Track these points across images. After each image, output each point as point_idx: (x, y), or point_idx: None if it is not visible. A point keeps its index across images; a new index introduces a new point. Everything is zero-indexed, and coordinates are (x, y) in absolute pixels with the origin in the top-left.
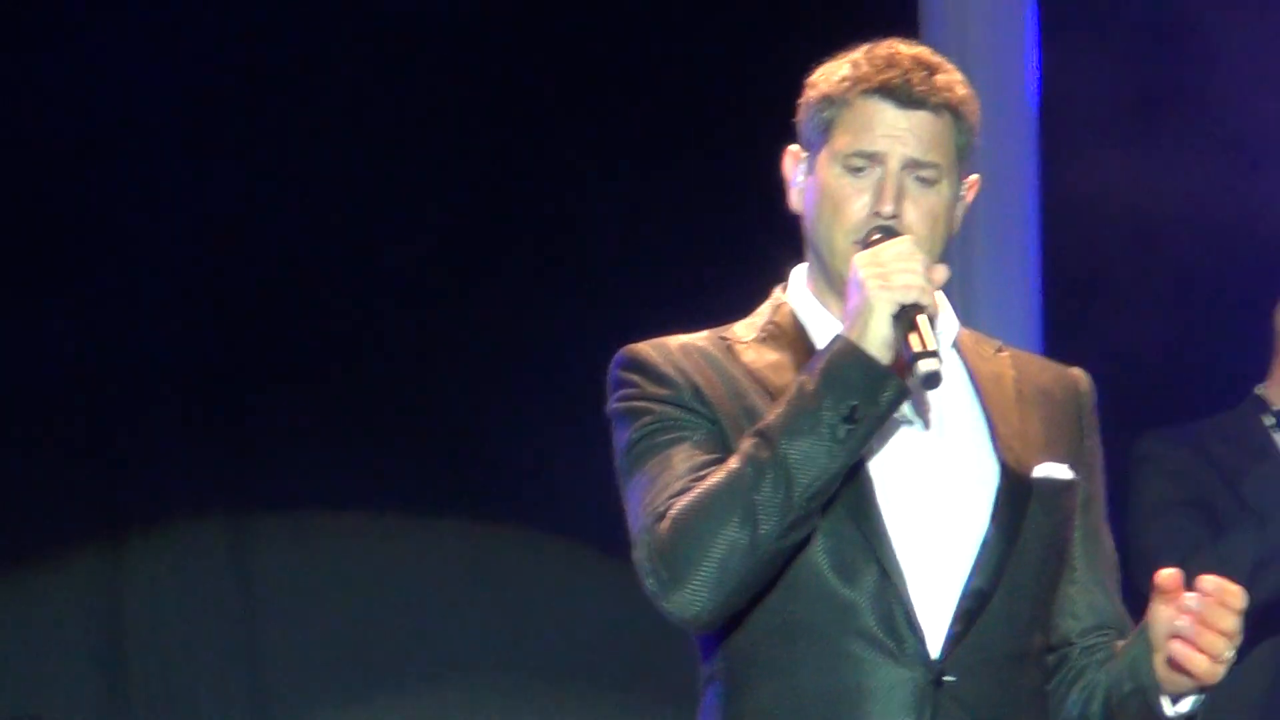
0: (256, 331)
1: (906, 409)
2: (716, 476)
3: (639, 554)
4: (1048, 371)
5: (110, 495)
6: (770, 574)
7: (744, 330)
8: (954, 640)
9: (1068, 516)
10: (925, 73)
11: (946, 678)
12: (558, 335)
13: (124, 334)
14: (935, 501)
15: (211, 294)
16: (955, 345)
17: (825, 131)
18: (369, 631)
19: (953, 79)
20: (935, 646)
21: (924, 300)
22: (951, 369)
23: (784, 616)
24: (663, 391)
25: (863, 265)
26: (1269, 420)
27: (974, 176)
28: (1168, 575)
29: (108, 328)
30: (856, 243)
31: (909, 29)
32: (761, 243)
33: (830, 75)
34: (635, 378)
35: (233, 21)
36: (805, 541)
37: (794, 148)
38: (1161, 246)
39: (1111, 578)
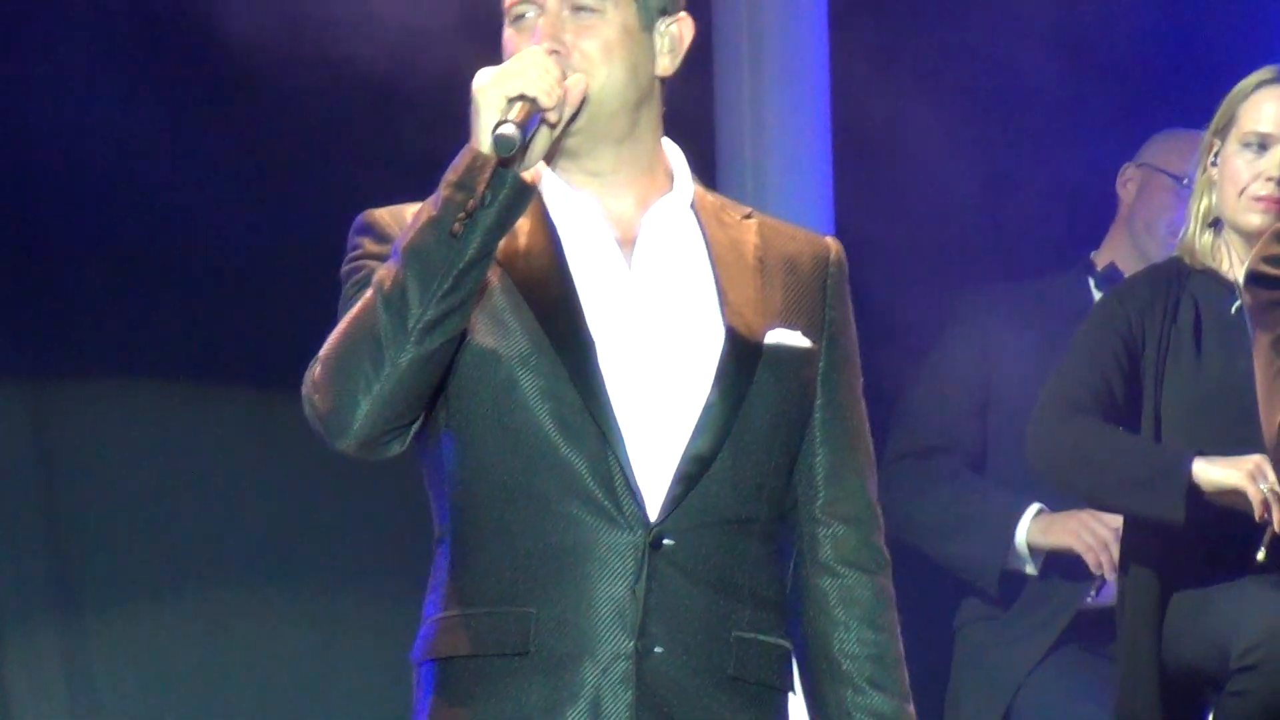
0: (54, 198)
1: (635, 274)
2: (355, 306)
3: (304, 389)
4: (797, 240)
5: None
6: (432, 378)
7: None
8: (672, 503)
9: (804, 385)
10: None
11: (665, 541)
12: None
13: None
14: (657, 365)
15: (6, 161)
16: (693, 207)
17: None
18: (167, 504)
19: None
20: (654, 509)
21: (530, 91)
22: (686, 232)
23: (505, 478)
24: (382, 249)
25: (478, 74)
26: (1093, 282)
27: (681, 14)
28: None
29: None
30: None
31: None
32: None
33: None
34: (361, 239)
35: None
36: (463, 338)
37: None
38: (957, 116)
39: (858, 451)
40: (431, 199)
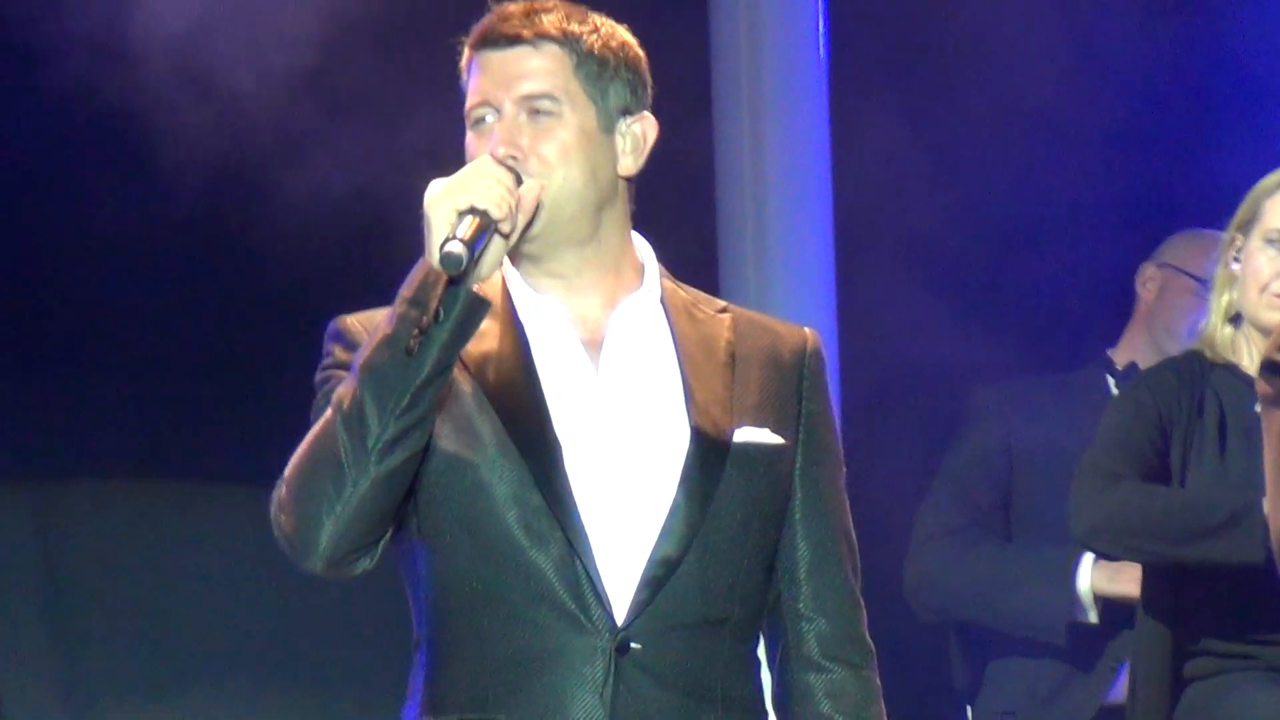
0: (53, 298)
1: (602, 375)
2: (316, 424)
3: (271, 510)
4: (773, 333)
5: None
6: (396, 494)
7: None
8: (639, 607)
9: (776, 481)
10: (523, 14)
11: (632, 645)
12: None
13: None
14: (624, 468)
15: (7, 260)
16: (663, 304)
17: (464, 104)
18: (168, 604)
19: (559, 16)
20: (621, 613)
21: (480, 203)
22: (654, 330)
23: (475, 584)
24: (351, 357)
25: (430, 186)
26: (1112, 381)
27: (643, 114)
28: None
29: None
30: None
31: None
32: None
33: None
34: (333, 346)
35: None
36: (429, 445)
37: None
38: (950, 207)
39: (840, 544)
40: (387, 314)
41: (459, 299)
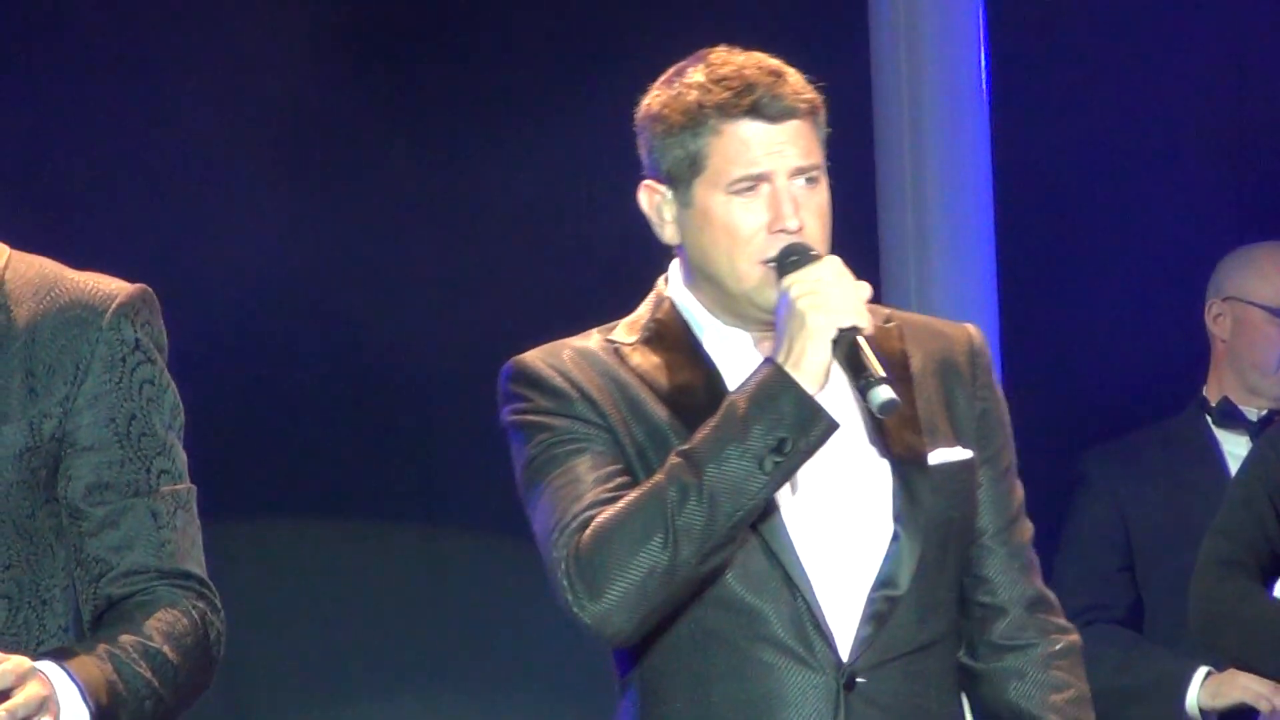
0: (217, 338)
1: None
2: (641, 493)
3: (556, 565)
4: (941, 336)
5: None
6: (685, 597)
7: (627, 332)
8: (865, 643)
9: (968, 493)
10: (779, 80)
11: (858, 680)
12: (512, 336)
13: None
14: (835, 504)
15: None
16: None
17: (695, 163)
18: (335, 640)
19: (800, 77)
20: (845, 649)
21: (861, 322)
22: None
23: (695, 626)
24: (555, 404)
25: (795, 287)
26: (1210, 420)
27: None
28: None
29: None
30: (767, 263)
31: (856, 13)
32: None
33: (679, 105)
34: (526, 391)
35: None
36: (721, 567)
37: (650, 183)
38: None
39: (1018, 534)
40: (734, 409)
41: (829, 430)
